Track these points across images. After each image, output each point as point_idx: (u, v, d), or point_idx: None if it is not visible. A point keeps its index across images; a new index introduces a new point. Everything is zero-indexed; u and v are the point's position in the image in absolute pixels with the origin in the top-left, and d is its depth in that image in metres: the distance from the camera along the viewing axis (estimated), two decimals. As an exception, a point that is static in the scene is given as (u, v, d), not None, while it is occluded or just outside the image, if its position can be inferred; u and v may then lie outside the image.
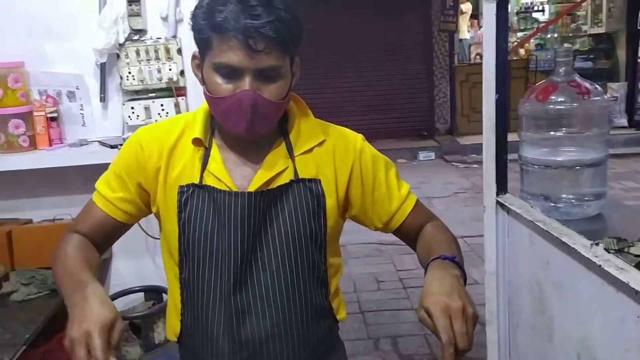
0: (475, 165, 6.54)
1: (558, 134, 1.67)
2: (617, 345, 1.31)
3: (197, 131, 1.14)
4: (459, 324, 0.87)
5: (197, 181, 1.12)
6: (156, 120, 2.22)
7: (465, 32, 8.27)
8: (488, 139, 1.87)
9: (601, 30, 8.18)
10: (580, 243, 1.44)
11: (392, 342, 2.99)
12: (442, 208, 5.31)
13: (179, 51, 2.20)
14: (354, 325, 3.14)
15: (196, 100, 2.13)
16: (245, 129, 1.06)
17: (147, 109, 2.22)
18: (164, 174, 1.14)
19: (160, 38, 2.21)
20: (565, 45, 8.28)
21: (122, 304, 2.34)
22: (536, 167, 1.72)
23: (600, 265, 1.30)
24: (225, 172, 1.13)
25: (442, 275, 0.97)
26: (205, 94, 1.10)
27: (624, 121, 7.60)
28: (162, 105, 2.22)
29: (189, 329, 1.19)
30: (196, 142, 1.14)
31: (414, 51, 8.06)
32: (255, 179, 1.13)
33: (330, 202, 1.16)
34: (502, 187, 1.95)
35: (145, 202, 1.18)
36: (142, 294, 2.39)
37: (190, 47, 2.08)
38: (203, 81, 1.09)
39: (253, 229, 1.11)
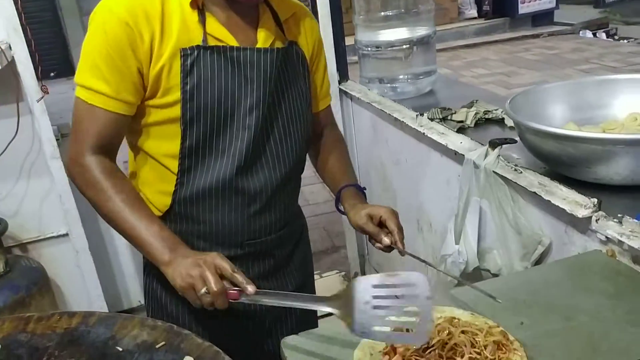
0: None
1: (388, 13, 1.69)
2: (445, 204, 1.42)
3: None
4: (399, 222, 1.09)
5: (200, 43, 1.04)
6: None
7: None
8: (324, 25, 1.87)
9: None
10: (409, 116, 1.51)
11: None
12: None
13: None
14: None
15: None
16: None
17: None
18: (159, 45, 1.03)
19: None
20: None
21: None
22: (370, 49, 1.75)
23: (424, 134, 1.38)
24: (227, 32, 1.07)
25: (363, 199, 1.18)
26: None
27: (474, 12, 7.97)
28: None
29: (189, 196, 1.12)
30: (194, 3, 1.04)
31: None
32: (260, 39, 1.09)
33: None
34: (343, 75, 1.99)
35: (142, 85, 1.05)
36: None
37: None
38: None
39: (274, 85, 1.10)
